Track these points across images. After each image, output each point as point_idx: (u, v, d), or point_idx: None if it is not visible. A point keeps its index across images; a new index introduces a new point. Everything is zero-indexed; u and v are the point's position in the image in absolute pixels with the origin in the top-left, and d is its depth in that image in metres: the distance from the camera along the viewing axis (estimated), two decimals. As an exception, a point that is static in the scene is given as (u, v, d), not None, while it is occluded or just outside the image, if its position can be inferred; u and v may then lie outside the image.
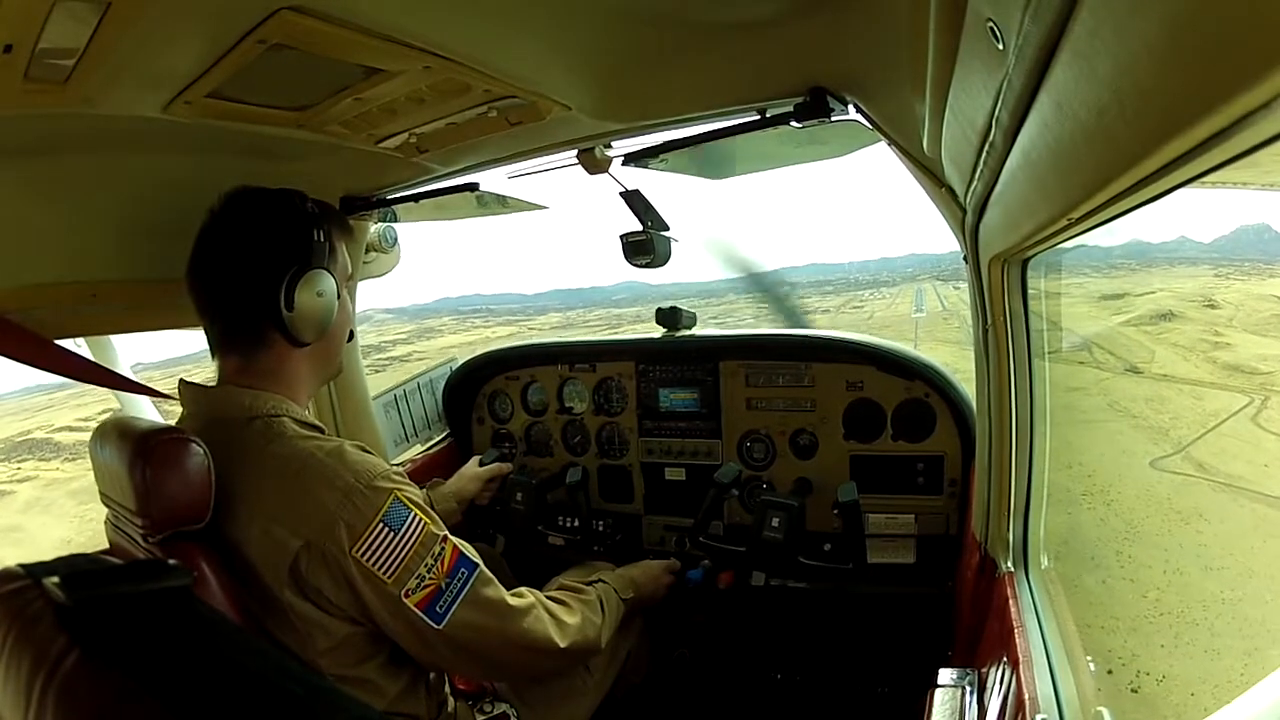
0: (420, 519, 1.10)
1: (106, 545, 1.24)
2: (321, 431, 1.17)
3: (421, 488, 1.78)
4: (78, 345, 1.52)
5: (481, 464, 1.94)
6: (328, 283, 1.16)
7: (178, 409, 1.25)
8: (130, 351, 1.66)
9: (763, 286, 2.34)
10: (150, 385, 1.61)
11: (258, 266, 1.11)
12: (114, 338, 1.62)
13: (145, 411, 1.70)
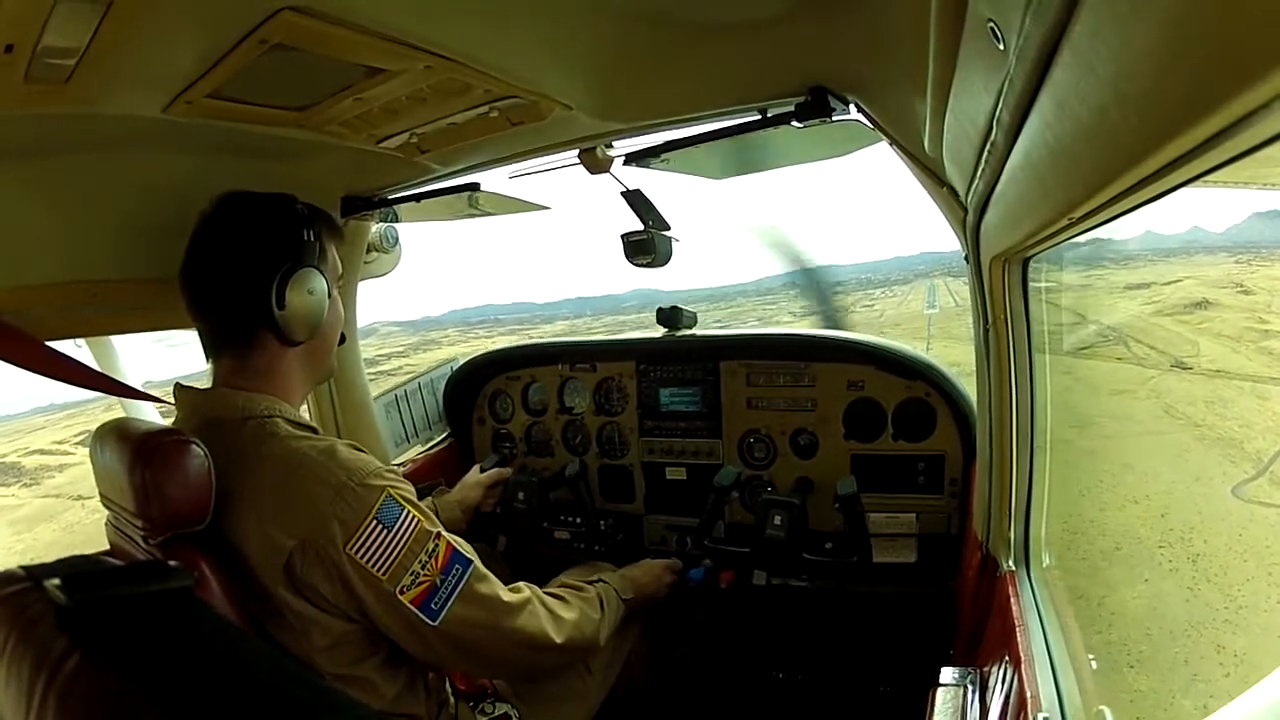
0: (413, 516, 1.10)
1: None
2: (315, 432, 1.17)
3: (428, 495, 1.78)
4: (79, 347, 1.52)
5: (482, 470, 1.94)
6: (319, 281, 1.17)
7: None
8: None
9: (810, 282, 2.28)
10: (149, 392, 1.60)
11: (249, 265, 1.12)
12: (115, 338, 1.62)
13: (147, 413, 1.70)
